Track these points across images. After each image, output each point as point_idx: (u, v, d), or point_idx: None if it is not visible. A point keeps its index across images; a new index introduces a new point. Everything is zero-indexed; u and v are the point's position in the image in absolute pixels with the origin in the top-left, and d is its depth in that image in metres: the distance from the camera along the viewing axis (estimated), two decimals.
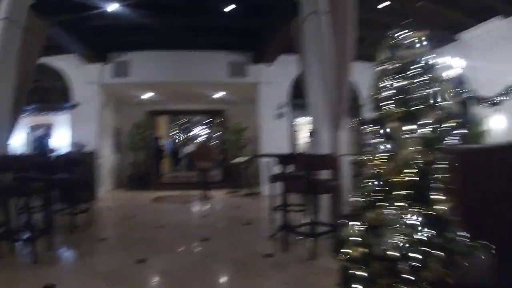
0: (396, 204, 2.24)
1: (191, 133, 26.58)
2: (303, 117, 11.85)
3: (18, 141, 9.44)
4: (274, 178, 5.94)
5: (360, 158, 2.89)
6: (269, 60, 10.19)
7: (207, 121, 21.28)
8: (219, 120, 14.40)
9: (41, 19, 6.33)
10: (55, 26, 7.02)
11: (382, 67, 2.70)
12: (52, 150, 8.98)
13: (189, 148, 19.50)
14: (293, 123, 10.81)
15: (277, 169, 5.75)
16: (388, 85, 2.57)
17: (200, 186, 10.67)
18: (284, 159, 5.56)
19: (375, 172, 2.52)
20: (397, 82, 2.57)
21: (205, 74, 10.03)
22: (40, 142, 8.85)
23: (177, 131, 26.10)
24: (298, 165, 4.05)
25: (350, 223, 2.53)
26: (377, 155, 2.55)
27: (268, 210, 6.30)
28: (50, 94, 10.00)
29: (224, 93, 11.72)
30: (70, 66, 9.83)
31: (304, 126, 12.68)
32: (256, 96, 10.68)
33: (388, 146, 2.49)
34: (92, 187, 9.05)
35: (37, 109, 9.85)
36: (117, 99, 12.01)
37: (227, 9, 7.44)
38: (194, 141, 23.14)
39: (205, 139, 15.30)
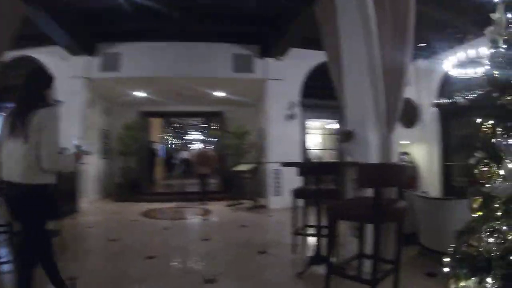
0: None
1: (187, 138, 25.22)
2: (317, 119, 10.61)
3: None
4: (300, 194, 4.60)
5: (476, 169, 2.09)
6: (278, 54, 8.89)
7: (205, 124, 19.86)
8: (218, 123, 13.06)
9: None
10: (34, 9, 5.71)
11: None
12: None
13: (185, 154, 18.13)
14: (305, 126, 9.46)
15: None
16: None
17: (198, 197, 9.41)
18: (315, 169, 4.24)
19: None
20: None
21: (206, 69, 8.69)
22: None
23: (172, 135, 24.68)
24: (361, 179, 2.70)
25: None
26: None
27: (284, 231, 4.98)
28: None
29: (226, 92, 10.35)
30: (52, 59, 8.35)
31: (318, 129, 11.44)
32: (263, 95, 9.37)
33: None
34: (72, 199, 7.68)
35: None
36: (105, 97, 10.60)
37: None
38: (190, 146, 21.80)
39: (205, 145, 14.01)
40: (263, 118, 9.47)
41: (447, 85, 9.67)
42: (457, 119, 9.68)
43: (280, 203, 8.53)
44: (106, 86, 9.34)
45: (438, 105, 9.90)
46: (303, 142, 9.29)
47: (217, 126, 13.92)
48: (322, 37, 5.21)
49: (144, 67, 8.53)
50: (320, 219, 3.96)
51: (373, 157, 4.00)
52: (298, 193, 4.61)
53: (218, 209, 8.54)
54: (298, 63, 9.20)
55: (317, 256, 3.83)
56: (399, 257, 2.96)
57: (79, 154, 2.89)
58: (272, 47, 8.65)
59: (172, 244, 5.12)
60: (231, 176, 10.35)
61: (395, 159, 4.15)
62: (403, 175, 2.91)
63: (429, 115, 10.32)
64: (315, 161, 9.95)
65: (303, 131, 9.30)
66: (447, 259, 2.45)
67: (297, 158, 9.01)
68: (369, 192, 3.88)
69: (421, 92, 10.13)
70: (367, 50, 4.11)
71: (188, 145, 23.10)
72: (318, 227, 3.97)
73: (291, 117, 8.96)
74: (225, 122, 12.24)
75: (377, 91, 4.04)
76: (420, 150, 10.72)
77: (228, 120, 12.18)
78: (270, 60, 8.98)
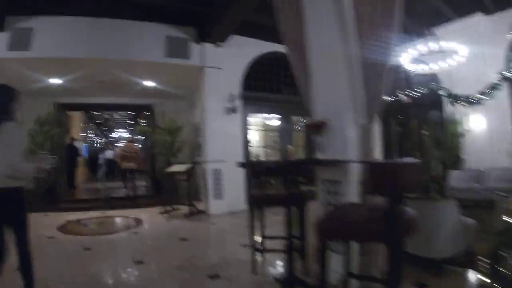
0: None
1: (112, 135, 23.13)
2: (258, 114, 9.80)
3: None
4: (258, 200, 3.69)
5: None
6: (218, 39, 7.92)
7: (133, 120, 18.14)
8: (148, 117, 11.69)
9: None
10: None
11: None
12: None
13: (110, 153, 16.30)
14: (247, 121, 8.57)
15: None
16: None
17: (127, 203, 8.16)
18: (281, 168, 3.35)
19: None
20: None
21: (134, 51, 7.37)
22: None
23: (96, 132, 22.44)
24: (374, 182, 1.86)
25: None
26: None
27: (234, 243, 4.15)
28: None
29: (156, 81, 9.09)
30: None
31: (258, 125, 10.65)
32: (199, 85, 8.30)
33: None
34: None
35: None
36: (14, 84, 8.64)
37: None
38: (117, 145, 19.86)
39: (131, 138, 12.65)
40: (200, 112, 8.38)
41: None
42: (399, 116, 9.56)
43: (221, 207, 7.61)
44: (14, 69, 7.46)
45: None
46: (245, 138, 8.41)
47: (146, 122, 12.55)
48: (279, 23, 4.26)
49: (61, 46, 6.93)
50: (290, 230, 3.12)
51: (353, 152, 3.27)
52: (256, 200, 3.68)
53: (150, 217, 7.34)
54: (239, 52, 8.37)
55: (290, 278, 2.97)
56: (401, 277, 2.20)
57: (42, 165, 2.88)
58: (211, 31, 7.66)
59: (96, 271, 3.85)
60: (163, 178, 9.13)
61: (376, 154, 3.43)
62: (420, 176, 2.12)
63: None
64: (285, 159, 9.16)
65: (244, 126, 8.41)
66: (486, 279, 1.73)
67: (239, 157, 8.14)
68: (351, 198, 3.13)
69: None
70: (343, 45, 3.41)
71: (114, 144, 21.06)
72: (289, 240, 3.11)
73: (232, 110, 8.02)
74: (155, 116, 10.91)
75: (354, 82, 3.35)
76: None
77: (158, 115, 10.88)
78: (208, 46, 7.96)
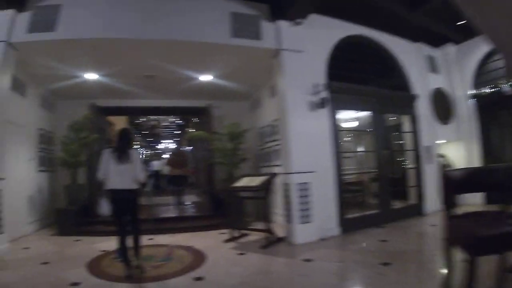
0: None
1: (158, 146, 21.83)
2: (349, 110, 7.82)
3: None
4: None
5: None
6: (295, 17, 6.06)
7: (178, 129, 16.62)
8: (204, 123, 9.74)
9: None
10: None
11: None
12: None
13: (157, 164, 14.78)
14: (336, 119, 6.53)
15: None
16: None
17: (182, 224, 6.47)
18: None
19: None
20: None
21: (191, 31, 5.55)
22: None
23: (141, 142, 21.18)
24: None
25: None
26: None
27: None
28: None
29: (217, 73, 7.17)
30: None
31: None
32: (275, 73, 6.40)
33: None
34: None
35: None
36: (43, 82, 7.21)
37: None
38: (162, 156, 18.40)
39: (181, 147, 11.17)
40: (280, 108, 6.37)
41: (485, 71, 8.35)
42: (501, 111, 7.83)
43: (309, 233, 5.71)
44: (39, 58, 5.90)
45: (476, 96, 8.03)
46: (335, 141, 6.39)
47: (196, 129, 10.85)
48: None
49: (94, 25, 5.23)
50: None
51: None
52: (491, 242, 1.65)
53: (214, 247, 5.46)
54: (322, 33, 6.51)
55: None
56: None
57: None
58: (286, 7, 5.84)
59: None
60: (225, 194, 7.28)
61: None
62: None
63: (465, 108, 8.20)
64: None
65: (333, 126, 6.41)
66: None
67: (328, 166, 6.21)
68: None
69: (453, 81, 8.80)
70: None
71: (161, 155, 19.61)
72: None
73: (320, 105, 6.06)
74: (211, 121, 9.07)
75: None
76: (457, 150, 8.40)
77: (216, 119, 9.06)
78: (284, 25, 6.10)
